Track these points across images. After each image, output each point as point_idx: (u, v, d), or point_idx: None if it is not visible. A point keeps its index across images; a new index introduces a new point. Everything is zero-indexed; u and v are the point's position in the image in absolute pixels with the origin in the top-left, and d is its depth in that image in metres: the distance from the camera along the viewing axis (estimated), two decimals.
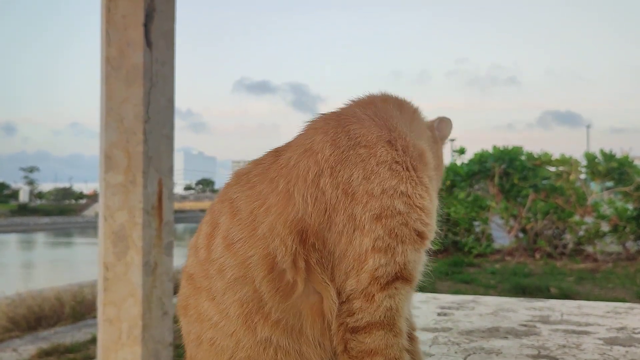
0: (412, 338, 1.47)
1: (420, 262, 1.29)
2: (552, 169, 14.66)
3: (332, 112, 1.43)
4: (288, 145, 1.40)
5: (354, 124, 1.34)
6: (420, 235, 1.26)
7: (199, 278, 1.36)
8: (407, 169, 1.28)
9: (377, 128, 1.33)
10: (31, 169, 76.67)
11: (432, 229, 1.30)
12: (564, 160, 14.45)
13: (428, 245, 1.30)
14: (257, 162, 1.42)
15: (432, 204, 1.33)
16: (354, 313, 1.23)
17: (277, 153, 1.40)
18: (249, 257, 1.27)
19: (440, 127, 1.61)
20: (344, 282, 1.24)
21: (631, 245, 13.30)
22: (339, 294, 1.25)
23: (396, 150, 1.29)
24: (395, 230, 1.22)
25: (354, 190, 1.24)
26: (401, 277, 1.24)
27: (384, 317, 1.23)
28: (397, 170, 1.26)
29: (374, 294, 1.22)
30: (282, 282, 1.25)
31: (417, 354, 1.48)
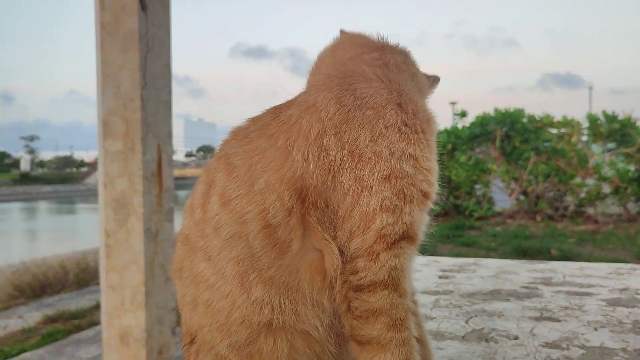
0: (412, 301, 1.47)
1: (423, 222, 1.30)
2: (554, 131, 14.59)
3: (338, 70, 1.40)
4: (290, 103, 1.37)
5: (361, 82, 1.32)
6: (426, 196, 1.26)
7: (194, 238, 1.34)
8: (416, 132, 1.27)
9: (387, 90, 1.31)
10: (31, 138, 76.48)
11: (436, 189, 1.31)
12: (566, 122, 14.36)
13: (430, 205, 1.30)
14: (255, 119, 1.39)
15: (436, 165, 1.34)
16: (358, 271, 1.22)
17: (277, 110, 1.36)
18: (246, 214, 1.25)
19: (433, 86, 1.60)
20: (347, 241, 1.23)
21: (632, 207, 13.33)
22: (341, 252, 1.24)
23: (406, 113, 1.28)
24: (404, 191, 1.22)
25: (362, 151, 1.23)
26: (407, 236, 1.24)
27: (388, 276, 1.22)
28: (405, 133, 1.25)
29: (379, 253, 1.21)
30: (278, 239, 1.24)
31: (418, 316, 1.48)
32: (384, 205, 1.21)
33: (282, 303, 1.25)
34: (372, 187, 1.22)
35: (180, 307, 1.40)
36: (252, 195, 1.26)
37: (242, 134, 1.37)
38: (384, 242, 1.21)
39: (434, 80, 1.61)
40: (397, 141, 1.23)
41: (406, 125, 1.26)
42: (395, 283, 1.22)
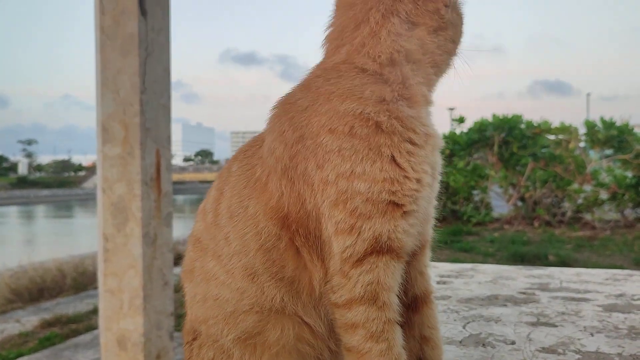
0: (426, 301, 1.48)
1: (405, 229, 1.26)
2: (552, 137, 14.61)
3: (283, 98, 1.39)
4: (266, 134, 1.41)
5: (295, 112, 1.32)
6: (393, 204, 1.24)
7: (206, 240, 1.42)
8: (356, 152, 1.23)
9: (317, 117, 1.27)
10: (29, 142, 76.44)
11: (407, 191, 1.25)
12: (564, 129, 14.39)
13: (412, 208, 1.26)
14: (254, 140, 1.47)
15: (411, 160, 1.26)
16: (336, 291, 1.26)
17: (261, 139, 1.42)
18: (245, 234, 1.34)
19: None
20: (328, 262, 1.28)
21: (629, 213, 13.34)
22: (327, 272, 1.29)
23: (339, 137, 1.24)
24: (359, 210, 1.22)
25: (313, 180, 1.26)
26: (377, 250, 1.24)
27: (364, 292, 1.24)
28: (347, 156, 1.23)
29: (347, 272, 1.24)
30: (274, 258, 1.32)
31: (429, 318, 1.48)
32: (338, 228, 1.23)
33: (294, 299, 1.34)
34: (325, 213, 1.25)
35: (189, 306, 1.44)
36: (247, 218, 1.34)
37: (242, 156, 1.46)
38: (348, 262, 1.24)
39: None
40: (341, 163, 1.23)
41: (344, 148, 1.23)
42: (373, 297, 1.24)
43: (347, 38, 1.34)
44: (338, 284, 1.25)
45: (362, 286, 1.23)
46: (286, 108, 1.35)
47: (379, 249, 1.24)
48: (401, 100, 1.28)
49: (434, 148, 1.35)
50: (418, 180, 1.26)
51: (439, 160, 1.41)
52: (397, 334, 1.27)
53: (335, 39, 1.38)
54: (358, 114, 1.24)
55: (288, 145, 1.29)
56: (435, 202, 1.44)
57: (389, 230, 1.24)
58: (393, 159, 1.24)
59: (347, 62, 1.33)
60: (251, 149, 1.44)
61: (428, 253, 1.49)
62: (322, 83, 1.32)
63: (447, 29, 1.35)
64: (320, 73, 1.36)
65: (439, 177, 1.43)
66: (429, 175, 1.32)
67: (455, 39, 1.38)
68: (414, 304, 1.46)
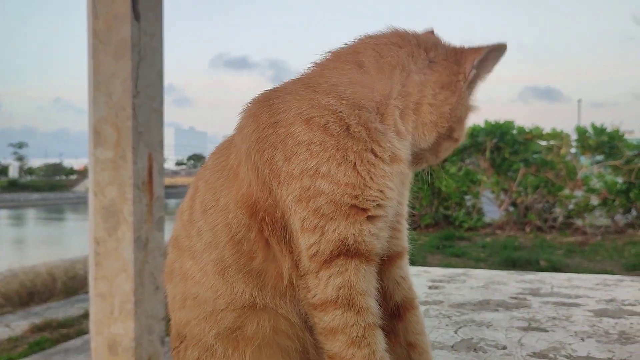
0: (408, 307, 1.46)
1: (373, 232, 1.24)
2: (543, 143, 14.69)
3: (272, 88, 1.38)
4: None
5: (278, 98, 1.30)
6: (356, 208, 1.21)
7: (182, 239, 1.41)
8: (325, 150, 1.20)
9: (298, 103, 1.25)
10: (20, 145, 76.01)
11: (369, 197, 1.22)
12: (555, 135, 14.47)
13: (378, 213, 1.24)
14: (231, 136, 1.45)
15: (375, 174, 1.23)
16: (310, 289, 1.24)
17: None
18: (216, 225, 1.32)
19: (488, 59, 1.34)
20: (298, 257, 1.25)
21: (620, 219, 13.43)
22: (297, 266, 1.26)
23: (313, 130, 1.22)
24: (322, 210, 1.20)
25: (279, 171, 1.23)
26: (344, 253, 1.21)
27: (337, 295, 1.21)
28: (315, 152, 1.20)
29: (317, 272, 1.22)
30: (244, 249, 1.30)
31: (414, 324, 1.46)
32: (304, 225, 1.21)
33: (262, 293, 1.31)
34: (291, 207, 1.22)
35: (171, 309, 1.44)
36: (218, 209, 1.33)
37: (219, 148, 1.45)
38: (315, 261, 1.22)
39: (490, 51, 1.33)
40: (308, 159, 1.20)
41: (313, 143, 1.21)
42: (348, 302, 1.21)
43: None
44: (312, 283, 1.23)
45: (333, 289, 1.21)
46: (271, 94, 1.34)
47: (346, 251, 1.21)
48: (374, 112, 1.26)
49: (402, 174, 1.30)
50: (380, 191, 1.23)
51: (406, 188, 1.38)
52: (379, 338, 1.25)
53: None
54: (334, 110, 1.23)
55: (259, 128, 1.27)
56: (406, 215, 1.43)
57: (355, 234, 1.21)
58: (355, 166, 1.21)
59: (354, 53, 1.33)
60: (227, 142, 1.43)
61: (405, 263, 1.47)
62: (321, 69, 1.33)
63: (455, 94, 1.31)
64: (331, 57, 1.36)
65: (406, 206, 1.40)
66: (394, 192, 1.27)
67: (452, 107, 1.31)
68: (396, 312, 1.44)
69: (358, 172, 1.21)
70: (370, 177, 1.22)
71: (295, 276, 1.27)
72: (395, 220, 1.36)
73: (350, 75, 1.28)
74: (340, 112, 1.23)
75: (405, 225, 1.43)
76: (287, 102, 1.27)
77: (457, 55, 1.33)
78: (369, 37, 1.37)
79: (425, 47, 1.33)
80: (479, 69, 1.33)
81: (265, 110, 1.29)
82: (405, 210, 1.41)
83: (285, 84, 1.36)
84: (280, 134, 1.24)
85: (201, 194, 1.38)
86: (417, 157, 1.37)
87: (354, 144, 1.21)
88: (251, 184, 1.27)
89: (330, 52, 1.37)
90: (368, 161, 1.22)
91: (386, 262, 1.38)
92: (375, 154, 1.23)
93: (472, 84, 1.35)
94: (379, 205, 1.24)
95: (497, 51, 1.33)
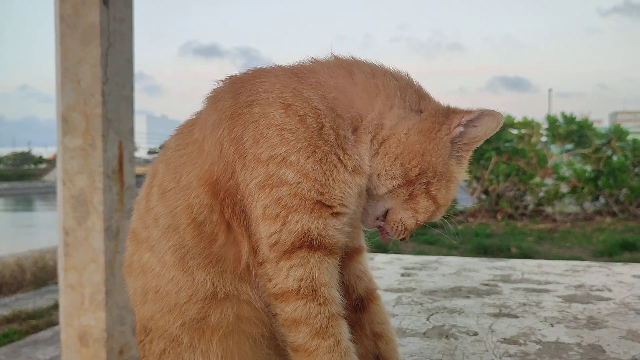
0: (370, 299, 1.47)
1: (337, 226, 1.23)
2: (514, 131, 14.89)
3: (261, 68, 1.36)
4: None
5: (263, 77, 1.28)
6: (322, 204, 1.20)
7: (139, 231, 1.38)
8: (298, 140, 1.19)
9: (281, 87, 1.24)
10: None
11: (335, 195, 1.21)
12: (526, 123, 14.67)
13: (342, 210, 1.23)
14: (198, 112, 1.41)
15: (341, 181, 1.22)
16: (270, 279, 1.22)
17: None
18: (176, 207, 1.28)
19: (479, 124, 1.29)
20: (257, 243, 1.23)
21: (588, 206, 13.72)
22: (255, 252, 1.24)
23: (295, 117, 1.21)
24: (284, 200, 1.19)
25: (245, 152, 1.21)
26: (307, 245, 1.20)
27: (299, 286, 1.20)
28: (287, 139, 1.19)
29: (277, 262, 1.21)
30: (205, 231, 1.27)
31: (377, 314, 1.47)
32: (265, 212, 1.19)
33: (223, 280, 1.29)
34: (253, 193, 1.20)
35: (133, 304, 1.41)
36: (179, 190, 1.29)
37: (181, 127, 1.41)
38: (275, 251, 1.20)
39: (481, 115, 1.28)
40: (278, 145, 1.19)
41: (287, 129, 1.19)
42: (311, 293, 1.21)
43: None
44: (271, 272, 1.21)
45: (294, 280, 1.20)
46: (257, 72, 1.32)
47: (309, 244, 1.20)
48: (348, 122, 1.25)
49: (360, 187, 1.28)
50: (342, 194, 1.23)
51: (363, 200, 1.33)
52: (344, 328, 1.24)
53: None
54: (313, 106, 1.22)
55: (237, 104, 1.24)
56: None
57: (319, 227, 1.20)
58: (321, 164, 1.20)
59: (352, 62, 1.32)
60: (189, 122, 1.39)
61: (364, 258, 1.47)
62: (313, 67, 1.31)
63: (432, 142, 1.27)
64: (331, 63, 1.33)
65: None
66: (353, 199, 1.25)
67: (425, 152, 1.27)
68: (360, 304, 1.44)
69: (323, 170, 1.20)
70: (333, 180, 1.21)
71: (252, 262, 1.25)
72: (355, 217, 1.34)
73: (338, 80, 1.27)
74: (319, 109, 1.22)
75: (361, 226, 1.42)
76: (272, 84, 1.25)
77: (449, 111, 1.30)
78: (373, 61, 1.36)
79: (419, 94, 1.31)
80: (467, 129, 1.29)
81: (247, 89, 1.26)
82: (359, 212, 1.39)
83: (275, 68, 1.33)
84: (254, 112, 1.22)
85: (160, 177, 1.34)
86: (390, 211, 1.33)
87: (323, 144, 1.21)
88: (214, 161, 1.24)
89: (332, 55, 1.36)
90: (332, 164, 1.21)
91: (346, 258, 1.37)
92: (339, 159, 1.22)
93: (458, 146, 1.30)
94: (343, 204, 1.23)
95: (490, 117, 1.28)
